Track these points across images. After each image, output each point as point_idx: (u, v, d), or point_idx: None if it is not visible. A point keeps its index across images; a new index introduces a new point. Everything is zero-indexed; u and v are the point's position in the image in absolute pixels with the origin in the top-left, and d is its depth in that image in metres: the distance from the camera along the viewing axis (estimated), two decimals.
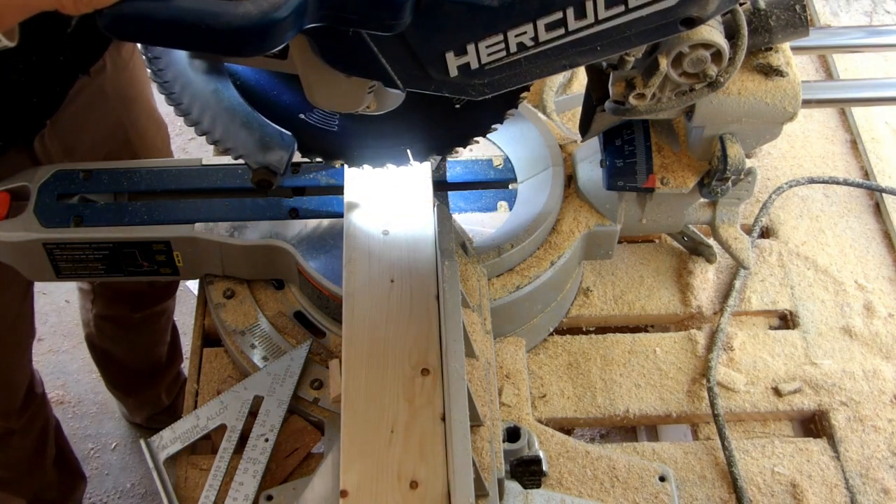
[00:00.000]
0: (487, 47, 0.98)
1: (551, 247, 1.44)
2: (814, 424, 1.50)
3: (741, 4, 1.18)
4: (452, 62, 1.00)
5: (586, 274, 1.61)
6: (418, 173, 1.40)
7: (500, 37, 0.97)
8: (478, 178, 1.52)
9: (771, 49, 1.26)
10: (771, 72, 1.26)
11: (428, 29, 0.97)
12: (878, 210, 1.72)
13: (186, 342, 2.55)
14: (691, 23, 0.98)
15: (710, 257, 1.62)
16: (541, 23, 0.96)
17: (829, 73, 1.92)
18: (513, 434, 1.22)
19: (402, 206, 1.37)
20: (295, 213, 1.45)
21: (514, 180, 1.51)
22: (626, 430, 1.69)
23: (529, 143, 1.52)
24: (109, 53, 1.66)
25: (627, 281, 1.61)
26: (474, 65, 1.00)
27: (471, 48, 0.98)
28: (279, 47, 0.92)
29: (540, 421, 1.43)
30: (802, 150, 1.80)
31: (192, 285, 2.88)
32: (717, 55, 1.13)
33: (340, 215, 1.38)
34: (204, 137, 1.20)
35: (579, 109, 1.38)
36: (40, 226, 1.42)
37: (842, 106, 1.84)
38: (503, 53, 0.99)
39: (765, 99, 1.27)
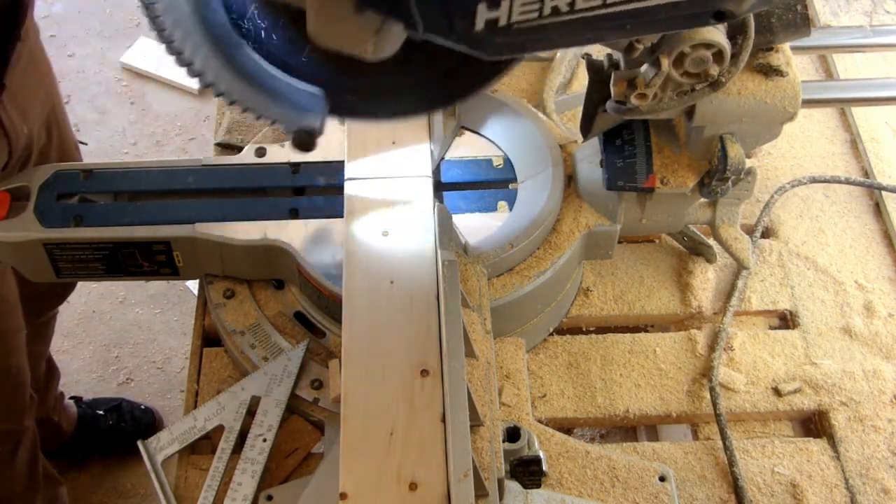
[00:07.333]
0: (522, 5, 0.93)
1: (551, 247, 1.44)
2: (814, 424, 1.50)
3: None
4: (482, 14, 0.94)
5: (586, 274, 1.60)
6: (418, 174, 1.40)
7: None
8: (478, 178, 1.52)
9: (771, 49, 1.26)
10: (771, 72, 1.26)
11: None
12: (878, 210, 1.72)
13: (186, 342, 2.54)
14: (722, 17, 0.96)
15: (710, 257, 1.62)
16: None
17: (829, 73, 1.91)
18: (513, 434, 1.22)
19: (402, 206, 1.37)
20: (295, 213, 1.45)
21: (514, 180, 1.51)
22: (626, 430, 1.69)
23: (529, 143, 1.52)
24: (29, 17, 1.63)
25: (627, 281, 1.60)
26: (503, 21, 0.94)
27: (505, 3, 0.93)
28: None
29: (540, 421, 1.43)
30: (802, 150, 1.80)
31: (192, 285, 2.88)
32: (718, 55, 1.12)
33: (340, 215, 1.37)
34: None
35: (579, 109, 1.37)
36: (40, 226, 1.42)
37: (842, 106, 1.84)
38: (535, 14, 0.94)
39: (765, 99, 1.27)
